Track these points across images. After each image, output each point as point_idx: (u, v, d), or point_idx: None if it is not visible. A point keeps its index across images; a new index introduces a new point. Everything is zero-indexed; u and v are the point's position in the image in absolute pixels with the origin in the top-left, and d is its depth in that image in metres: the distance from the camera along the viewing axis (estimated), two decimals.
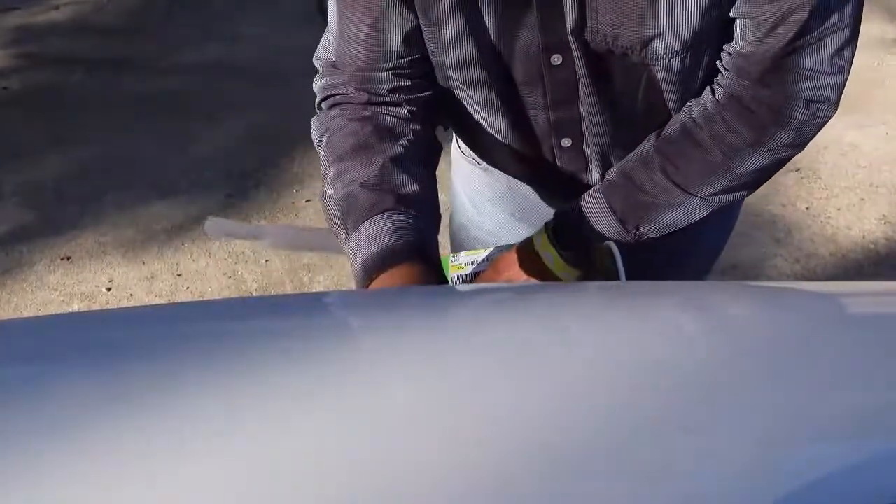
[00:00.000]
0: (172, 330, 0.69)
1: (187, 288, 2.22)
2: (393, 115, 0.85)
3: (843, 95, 0.79)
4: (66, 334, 0.68)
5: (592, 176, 0.95)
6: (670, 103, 0.85)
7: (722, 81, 0.81)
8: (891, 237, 2.30)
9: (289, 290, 2.16)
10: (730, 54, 0.79)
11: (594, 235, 0.86)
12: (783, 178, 2.47)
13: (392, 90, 0.85)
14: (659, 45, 0.77)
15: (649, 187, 0.83)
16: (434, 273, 0.80)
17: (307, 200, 2.45)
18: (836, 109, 0.79)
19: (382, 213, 0.79)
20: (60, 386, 0.56)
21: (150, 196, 2.52)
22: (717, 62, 0.82)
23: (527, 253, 0.89)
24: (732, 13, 0.76)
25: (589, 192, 0.88)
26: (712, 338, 0.68)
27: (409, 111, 0.86)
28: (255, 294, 2.18)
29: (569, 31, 0.78)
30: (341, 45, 0.84)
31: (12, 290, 2.22)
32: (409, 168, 0.82)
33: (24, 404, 0.53)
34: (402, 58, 0.83)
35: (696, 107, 0.82)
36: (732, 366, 0.61)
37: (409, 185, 0.81)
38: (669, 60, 0.79)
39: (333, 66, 0.86)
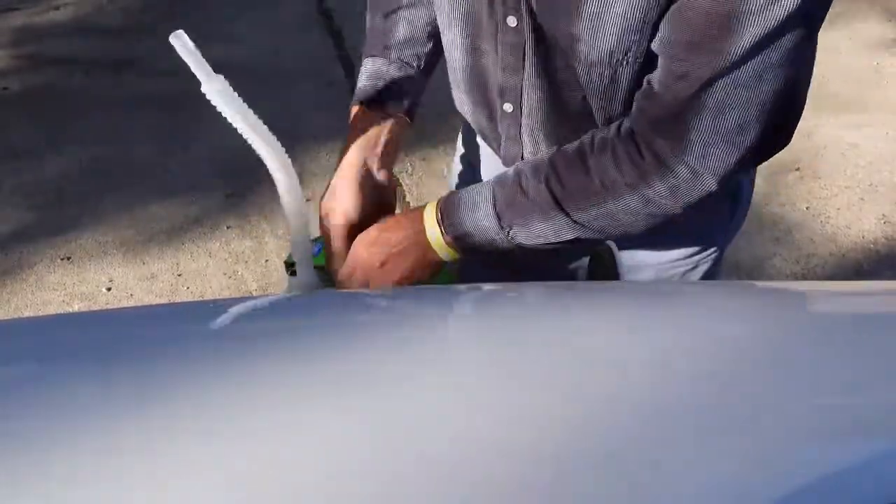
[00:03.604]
0: (173, 330, 0.69)
1: (187, 288, 2.22)
2: None
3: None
4: (66, 334, 0.68)
5: (525, 149, 0.93)
6: (595, 111, 0.84)
7: (630, 115, 0.80)
8: (890, 237, 2.30)
9: None
10: (644, 87, 0.78)
11: (472, 221, 0.84)
12: (783, 177, 2.47)
13: None
14: (581, 49, 0.77)
15: (532, 192, 0.82)
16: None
17: (307, 200, 2.44)
18: (717, 185, 0.77)
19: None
20: (61, 386, 0.56)
21: (150, 196, 2.52)
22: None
23: (414, 223, 0.87)
24: (653, 46, 0.75)
25: (486, 180, 0.87)
26: (712, 337, 0.68)
27: None
28: (255, 294, 2.18)
29: None
30: None
31: (12, 291, 2.22)
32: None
33: (24, 404, 0.53)
34: None
35: (603, 130, 0.81)
36: (732, 365, 0.61)
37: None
38: (590, 69, 0.78)
39: None
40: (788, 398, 0.56)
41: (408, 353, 0.62)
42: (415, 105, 0.95)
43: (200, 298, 2.15)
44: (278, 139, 0.83)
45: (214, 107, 0.78)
